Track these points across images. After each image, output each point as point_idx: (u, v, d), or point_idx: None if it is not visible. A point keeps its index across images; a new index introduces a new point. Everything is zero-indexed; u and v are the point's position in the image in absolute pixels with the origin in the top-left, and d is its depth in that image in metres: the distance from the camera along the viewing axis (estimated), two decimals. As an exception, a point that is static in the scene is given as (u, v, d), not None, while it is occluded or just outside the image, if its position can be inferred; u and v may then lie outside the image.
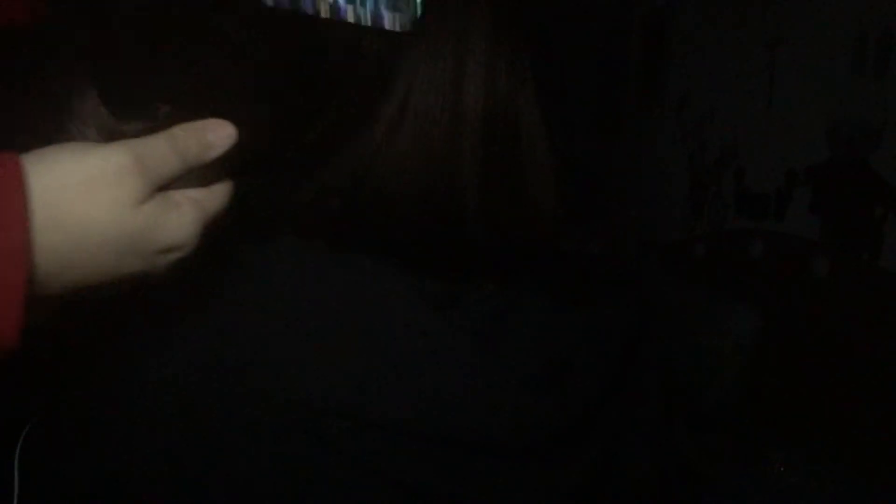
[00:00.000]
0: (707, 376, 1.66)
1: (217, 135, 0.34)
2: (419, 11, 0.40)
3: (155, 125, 0.33)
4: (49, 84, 0.37)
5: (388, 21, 0.40)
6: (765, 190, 1.69)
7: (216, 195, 0.35)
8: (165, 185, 0.32)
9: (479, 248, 0.43)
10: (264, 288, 0.41)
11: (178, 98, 0.37)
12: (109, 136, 0.36)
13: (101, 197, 0.27)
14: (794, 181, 1.60)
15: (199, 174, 0.34)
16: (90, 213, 0.27)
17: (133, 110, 0.37)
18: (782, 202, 1.63)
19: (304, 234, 0.43)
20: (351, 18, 0.39)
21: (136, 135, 0.31)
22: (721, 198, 1.83)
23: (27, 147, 0.28)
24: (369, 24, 0.40)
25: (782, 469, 1.38)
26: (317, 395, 0.39)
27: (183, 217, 0.31)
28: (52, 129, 0.37)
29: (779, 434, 1.54)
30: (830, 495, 1.32)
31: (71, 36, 0.37)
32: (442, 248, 0.43)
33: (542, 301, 0.44)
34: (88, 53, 0.37)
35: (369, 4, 0.39)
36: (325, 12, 0.38)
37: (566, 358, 0.43)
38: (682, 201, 1.98)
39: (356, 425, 0.39)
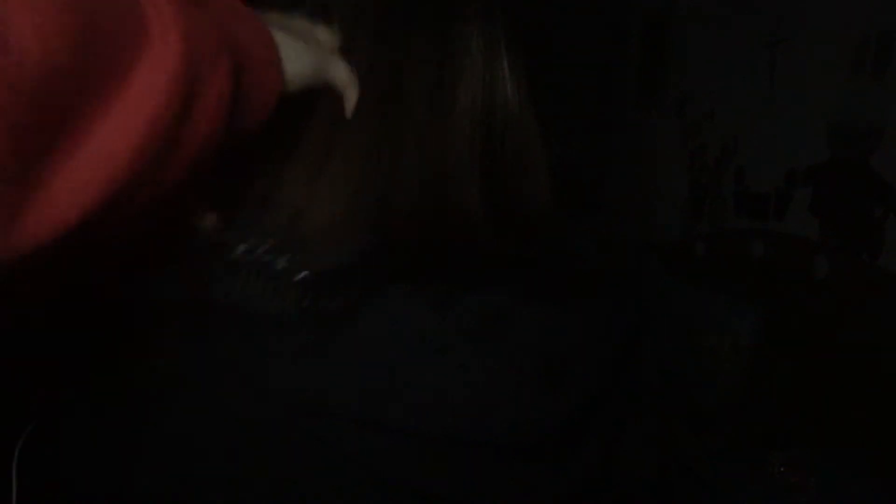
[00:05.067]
0: (707, 376, 1.66)
1: None
2: None
3: None
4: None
5: None
6: (765, 190, 1.68)
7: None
8: None
9: (479, 249, 0.43)
10: None
11: None
12: None
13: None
14: (794, 181, 1.60)
15: None
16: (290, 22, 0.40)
17: None
18: (782, 202, 1.63)
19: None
20: None
21: None
22: (721, 198, 1.83)
23: None
24: None
25: (782, 469, 1.38)
26: (317, 396, 0.39)
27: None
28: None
29: (779, 434, 1.54)
30: (831, 495, 1.32)
31: None
32: (441, 250, 0.43)
33: (541, 301, 0.44)
34: None
35: None
36: None
37: (565, 358, 0.43)
38: (682, 201, 1.98)
39: (356, 425, 0.39)
